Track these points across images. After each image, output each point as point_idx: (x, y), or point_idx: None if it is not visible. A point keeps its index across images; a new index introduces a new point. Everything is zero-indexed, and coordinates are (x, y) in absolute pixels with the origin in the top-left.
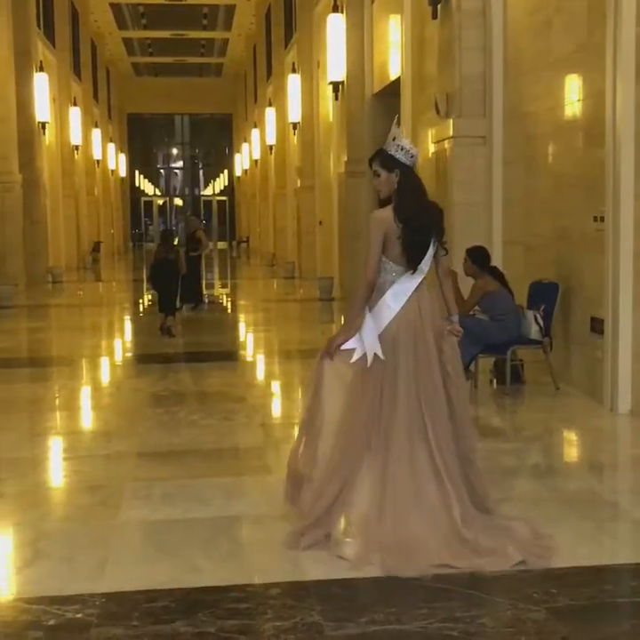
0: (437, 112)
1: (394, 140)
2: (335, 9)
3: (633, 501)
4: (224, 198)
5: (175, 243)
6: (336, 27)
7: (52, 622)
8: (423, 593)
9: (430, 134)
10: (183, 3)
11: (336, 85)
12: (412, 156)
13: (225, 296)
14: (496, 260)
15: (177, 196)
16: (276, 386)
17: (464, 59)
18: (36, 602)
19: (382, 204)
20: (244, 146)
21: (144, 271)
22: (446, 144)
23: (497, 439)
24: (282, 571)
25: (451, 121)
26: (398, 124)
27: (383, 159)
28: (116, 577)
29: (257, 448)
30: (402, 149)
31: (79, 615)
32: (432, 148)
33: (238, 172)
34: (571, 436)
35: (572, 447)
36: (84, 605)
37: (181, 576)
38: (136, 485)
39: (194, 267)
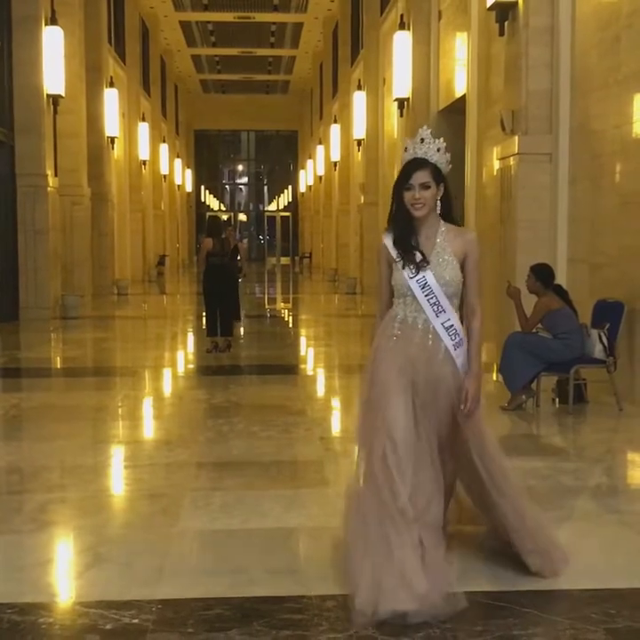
0: (503, 129)
1: (433, 144)
2: (402, 26)
3: None
4: (288, 214)
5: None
6: (402, 44)
7: (108, 627)
8: (479, 609)
9: (496, 151)
10: (252, 20)
11: (401, 102)
12: (448, 163)
13: (286, 310)
14: (560, 278)
15: (241, 212)
16: (335, 400)
17: (530, 76)
18: (93, 606)
19: (402, 223)
20: (309, 162)
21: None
22: (511, 161)
23: (558, 458)
24: (338, 584)
25: (516, 138)
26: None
27: (435, 170)
28: (172, 584)
29: (316, 461)
30: (444, 154)
31: (135, 620)
32: (497, 165)
33: (302, 188)
34: (634, 458)
35: (635, 468)
36: (140, 611)
37: (237, 586)
38: (195, 495)
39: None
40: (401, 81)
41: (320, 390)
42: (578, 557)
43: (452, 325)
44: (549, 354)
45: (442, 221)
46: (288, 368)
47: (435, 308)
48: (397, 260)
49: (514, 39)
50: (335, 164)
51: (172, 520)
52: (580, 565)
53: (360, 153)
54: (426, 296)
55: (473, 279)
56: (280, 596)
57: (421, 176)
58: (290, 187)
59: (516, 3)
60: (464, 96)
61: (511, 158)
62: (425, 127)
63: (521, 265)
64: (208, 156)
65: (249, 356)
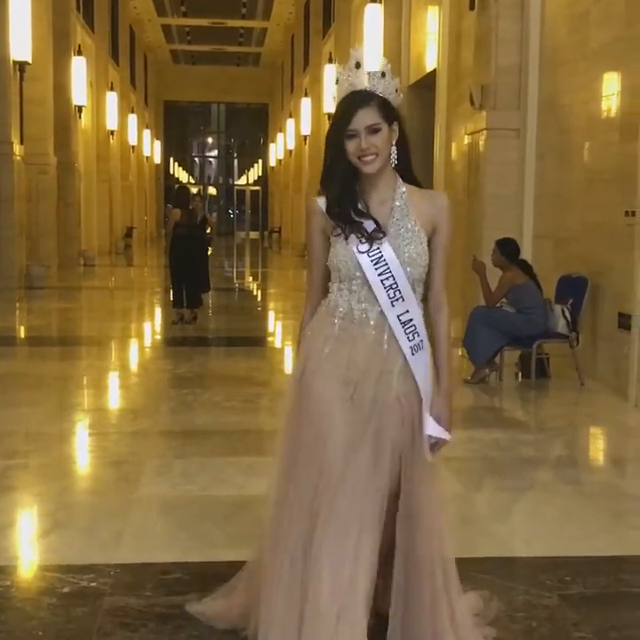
0: (472, 104)
1: (374, 68)
2: (373, 0)
3: None
4: (257, 188)
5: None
6: (374, 17)
7: (66, 590)
8: None
9: (465, 127)
10: None
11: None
12: (399, 93)
13: (255, 284)
14: (525, 253)
15: (211, 185)
16: None
17: (500, 50)
18: (52, 570)
19: (344, 183)
20: (279, 136)
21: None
22: (480, 136)
23: (519, 431)
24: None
25: (485, 113)
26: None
27: (384, 104)
28: (131, 549)
29: (276, 430)
30: (391, 79)
31: (93, 584)
32: (466, 140)
33: (272, 163)
34: (594, 431)
35: (594, 441)
36: (98, 575)
37: (196, 550)
38: (158, 462)
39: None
40: (372, 55)
41: (285, 362)
42: (534, 526)
43: (411, 320)
44: (513, 328)
45: (400, 179)
46: (254, 340)
47: (391, 293)
48: (337, 231)
49: (484, 13)
50: (305, 137)
51: (132, 486)
52: (536, 533)
53: None
54: (381, 277)
55: (441, 260)
56: (239, 561)
57: (367, 116)
58: (260, 160)
59: None
60: (434, 71)
61: (479, 133)
62: (357, 48)
63: (487, 239)
64: (177, 127)
65: (215, 328)
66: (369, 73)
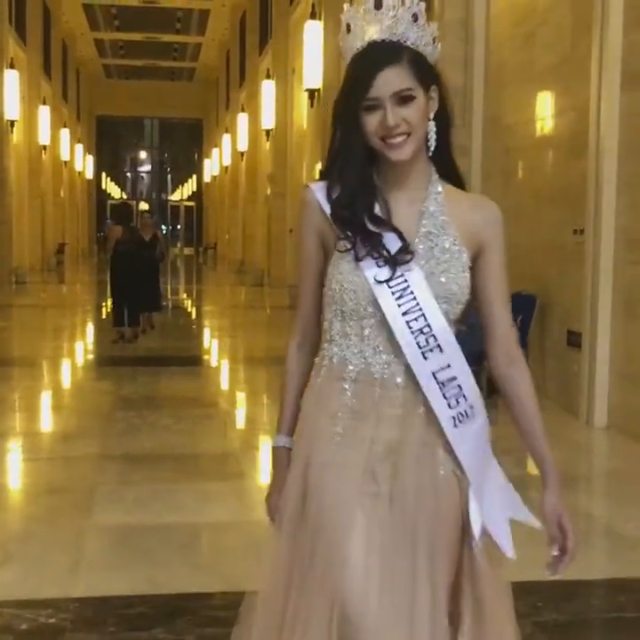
0: None
1: (402, 8)
2: (313, 16)
3: (609, 514)
4: (192, 204)
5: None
6: (313, 34)
7: (24, 627)
8: None
9: None
10: (157, 5)
11: (312, 93)
12: (435, 43)
13: (191, 302)
14: None
15: (144, 200)
16: (246, 392)
17: (445, 69)
18: (7, 605)
19: (358, 176)
20: (214, 151)
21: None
22: None
23: None
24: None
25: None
26: None
27: (416, 62)
28: (90, 581)
29: (230, 453)
30: (427, 28)
31: (52, 620)
32: None
33: (207, 178)
34: None
35: None
36: (57, 610)
37: (159, 582)
38: (108, 489)
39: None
40: (312, 71)
41: (231, 382)
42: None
43: (454, 379)
44: (463, 346)
45: (435, 174)
46: (196, 360)
47: (421, 340)
48: (344, 245)
49: None
50: (242, 153)
51: (84, 514)
52: (503, 557)
53: (268, 143)
54: (407, 317)
55: (498, 291)
56: (203, 593)
57: (395, 78)
58: (194, 176)
59: None
60: None
61: None
62: None
63: None
64: (110, 142)
65: (157, 347)
66: (395, 15)
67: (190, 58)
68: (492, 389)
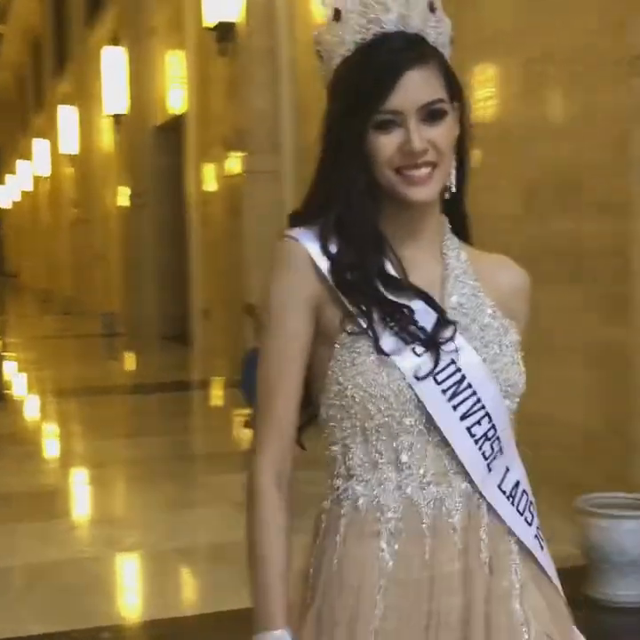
0: (227, 148)
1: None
2: (114, 42)
3: None
4: None
5: None
6: (115, 59)
7: None
8: None
9: (221, 169)
10: None
11: (117, 118)
12: (451, 42)
13: None
14: None
15: None
16: (65, 427)
17: (253, 96)
18: None
19: (365, 227)
20: (10, 177)
21: None
22: (238, 179)
23: (309, 469)
24: (109, 614)
25: (241, 157)
26: None
27: (444, 66)
28: None
29: (55, 491)
30: (446, 22)
31: None
32: (222, 183)
33: (4, 204)
34: None
35: None
36: None
37: (5, 626)
38: None
39: None
40: (114, 97)
41: (42, 416)
42: None
43: (518, 484)
44: None
45: (448, 225)
46: (4, 394)
47: (486, 447)
48: (352, 325)
49: (235, 59)
50: (43, 179)
51: None
52: None
53: (72, 168)
54: (468, 421)
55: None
56: (48, 633)
57: (425, 85)
58: None
59: (236, 24)
60: (182, 114)
61: (236, 177)
62: None
63: (252, 281)
64: None
65: None
66: (407, 1)
67: None
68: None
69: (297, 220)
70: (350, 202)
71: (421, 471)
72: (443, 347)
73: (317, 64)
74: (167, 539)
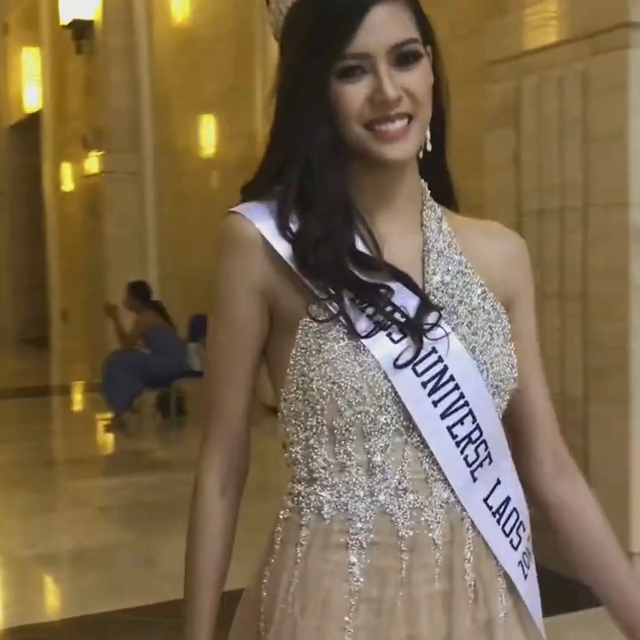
0: (85, 147)
1: None
2: None
3: None
4: None
5: None
6: None
7: None
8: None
9: (78, 169)
10: None
11: None
12: None
13: None
14: (155, 294)
15: None
16: None
17: (111, 94)
18: None
19: (332, 191)
20: None
21: None
22: (96, 179)
23: (169, 471)
24: None
25: (100, 156)
26: None
27: (419, 9)
28: None
29: None
30: None
31: None
32: (80, 183)
33: None
34: None
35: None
36: None
37: None
38: None
39: None
40: None
41: None
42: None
43: (508, 501)
44: (150, 370)
45: (427, 190)
46: None
47: (470, 452)
48: (325, 310)
49: (92, 57)
50: None
51: None
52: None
53: None
54: (449, 419)
55: (536, 361)
56: None
57: (393, 22)
58: None
59: (93, 21)
60: (37, 112)
61: (96, 176)
62: None
63: (113, 282)
64: None
65: None
66: None
67: None
68: (179, 410)
69: (248, 192)
70: (311, 167)
71: (397, 476)
72: (426, 332)
73: (267, 16)
74: (26, 546)
